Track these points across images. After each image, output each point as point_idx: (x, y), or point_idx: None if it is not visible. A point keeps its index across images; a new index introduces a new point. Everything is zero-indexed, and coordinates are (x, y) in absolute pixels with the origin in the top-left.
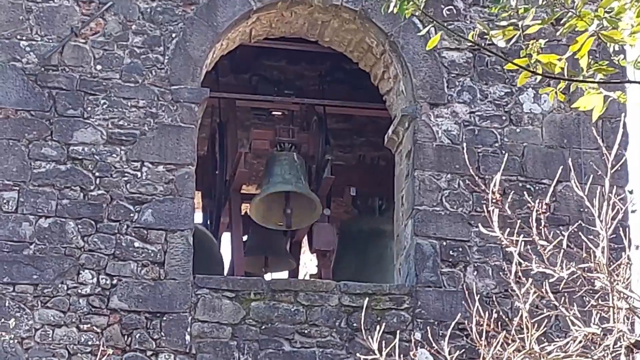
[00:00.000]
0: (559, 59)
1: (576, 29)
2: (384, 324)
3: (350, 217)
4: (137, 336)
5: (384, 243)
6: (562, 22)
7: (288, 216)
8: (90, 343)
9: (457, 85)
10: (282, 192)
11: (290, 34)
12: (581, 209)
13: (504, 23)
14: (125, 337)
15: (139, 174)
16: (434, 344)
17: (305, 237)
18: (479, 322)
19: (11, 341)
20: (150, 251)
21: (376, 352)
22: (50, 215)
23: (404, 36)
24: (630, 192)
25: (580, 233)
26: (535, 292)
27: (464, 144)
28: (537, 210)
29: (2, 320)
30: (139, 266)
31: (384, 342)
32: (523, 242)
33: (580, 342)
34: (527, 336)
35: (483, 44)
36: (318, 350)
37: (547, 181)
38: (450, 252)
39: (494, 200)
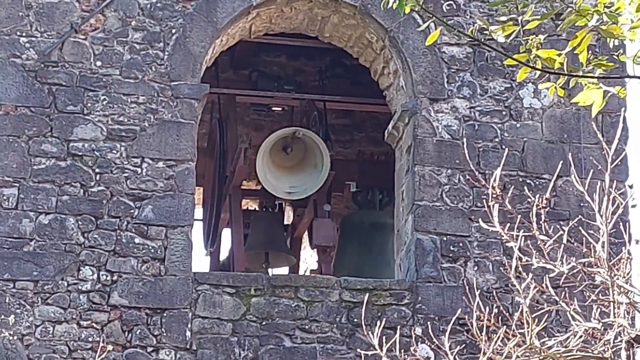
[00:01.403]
0: (559, 54)
1: (576, 24)
2: (384, 319)
3: (351, 211)
4: (137, 332)
5: (386, 236)
6: (561, 17)
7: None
8: (90, 339)
9: (457, 81)
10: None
11: (290, 30)
12: (581, 204)
13: (503, 18)
14: (126, 333)
15: (139, 170)
16: (434, 339)
17: (306, 233)
18: (479, 317)
19: (11, 338)
20: (150, 247)
21: (377, 347)
22: (50, 212)
23: (404, 31)
24: (631, 187)
25: (580, 228)
26: (535, 287)
27: (464, 139)
28: (537, 205)
29: (2, 316)
30: (140, 262)
31: (384, 337)
32: (523, 237)
33: (581, 336)
34: (528, 331)
35: (483, 39)
36: (319, 346)
37: (547, 176)
38: (451, 247)
39: (494, 196)
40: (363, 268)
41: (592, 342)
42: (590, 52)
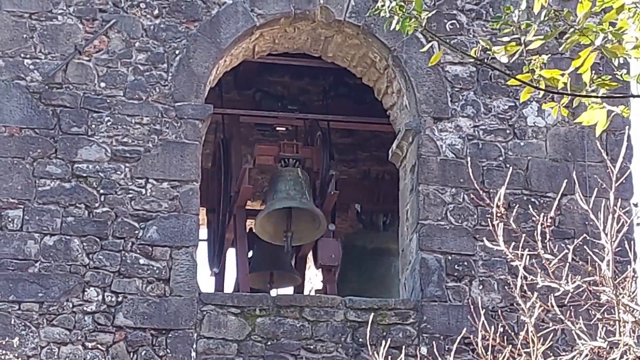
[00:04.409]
0: (562, 74)
1: (581, 43)
2: (389, 339)
3: (354, 232)
4: (142, 353)
5: (387, 261)
6: (565, 36)
7: (288, 237)
8: None
9: (461, 99)
10: (285, 208)
11: (294, 50)
12: (586, 222)
13: (506, 39)
14: (131, 354)
15: (143, 190)
16: (439, 359)
17: (310, 253)
18: (484, 336)
19: None
20: (155, 268)
21: None
22: (55, 233)
23: (407, 51)
24: (635, 205)
25: (585, 246)
26: (540, 306)
27: (468, 158)
28: (542, 224)
29: (7, 338)
30: (144, 283)
31: (389, 357)
32: (528, 256)
33: (587, 355)
34: (533, 350)
35: (486, 59)
36: None
37: (551, 194)
38: (456, 267)
39: (498, 214)
40: (364, 293)
41: None
42: (593, 71)
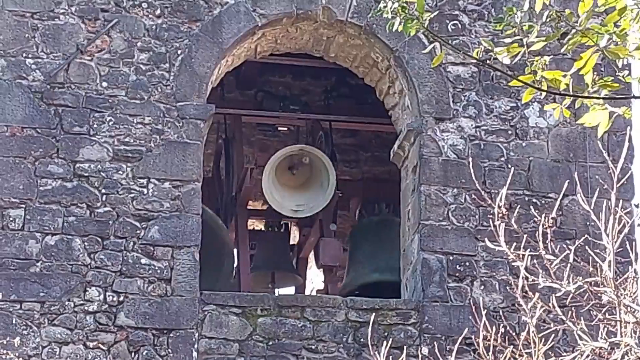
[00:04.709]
0: (564, 76)
1: (584, 44)
2: (391, 339)
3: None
4: (144, 353)
5: (395, 229)
6: (567, 38)
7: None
8: None
9: (463, 100)
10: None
11: (296, 50)
12: (587, 223)
13: (508, 40)
14: (133, 354)
15: (145, 190)
16: (441, 359)
17: (312, 253)
18: (486, 336)
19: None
20: (157, 268)
21: None
22: (56, 233)
23: (409, 51)
24: (637, 206)
25: (586, 247)
26: (542, 307)
27: (470, 159)
28: (543, 225)
29: (9, 338)
30: (146, 283)
31: (391, 357)
32: (530, 257)
33: (588, 356)
34: (535, 351)
35: (488, 60)
36: None
37: (553, 195)
38: (457, 267)
39: (500, 215)
40: (377, 261)
41: None
42: (595, 72)
